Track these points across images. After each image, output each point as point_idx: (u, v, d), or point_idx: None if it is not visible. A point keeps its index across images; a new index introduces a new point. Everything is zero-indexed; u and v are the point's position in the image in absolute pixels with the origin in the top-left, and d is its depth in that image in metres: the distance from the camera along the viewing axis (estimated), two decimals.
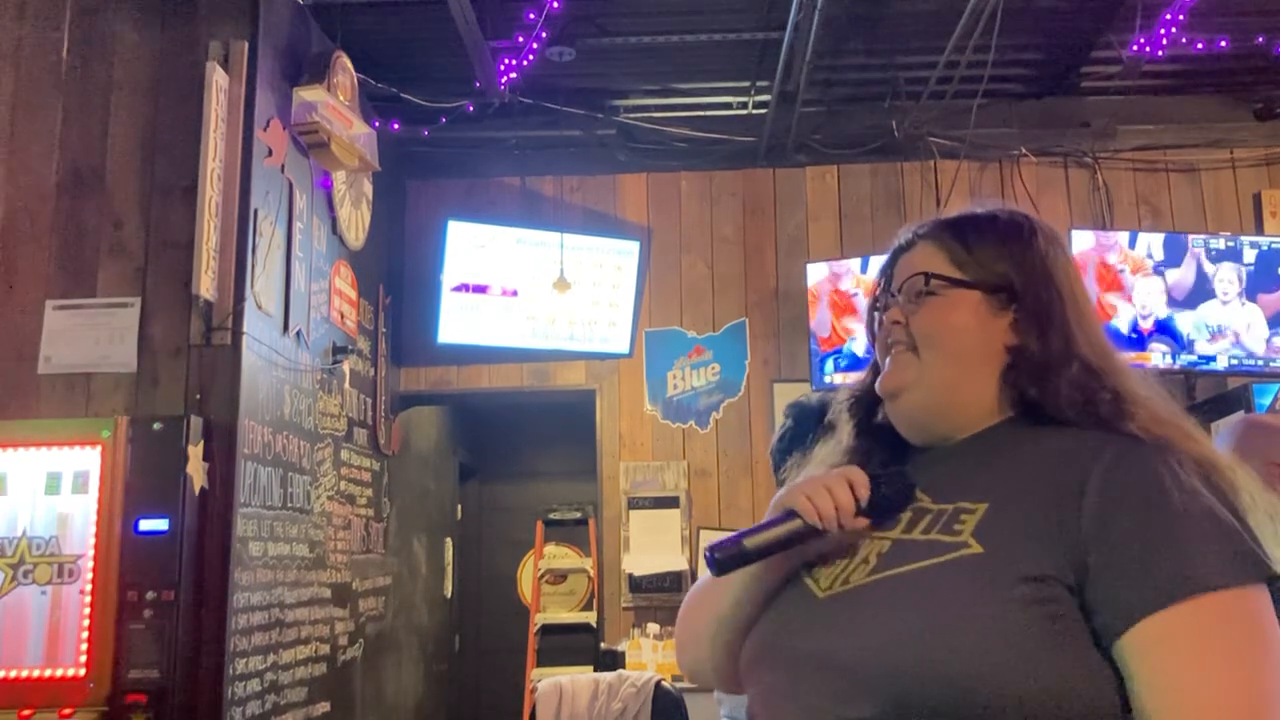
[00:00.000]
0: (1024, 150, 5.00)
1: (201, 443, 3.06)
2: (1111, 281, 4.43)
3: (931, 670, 0.89)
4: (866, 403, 1.17)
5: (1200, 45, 4.34)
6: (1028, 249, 1.10)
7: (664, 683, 3.49)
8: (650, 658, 4.61)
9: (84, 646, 2.88)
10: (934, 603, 0.92)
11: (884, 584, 0.98)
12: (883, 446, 1.15)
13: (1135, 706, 0.88)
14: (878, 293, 1.17)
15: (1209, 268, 4.48)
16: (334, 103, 3.71)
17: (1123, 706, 0.89)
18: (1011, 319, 1.07)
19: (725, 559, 1.03)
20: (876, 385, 1.13)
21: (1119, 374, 1.05)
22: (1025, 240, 1.11)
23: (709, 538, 4.85)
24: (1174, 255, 4.50)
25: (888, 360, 1.12)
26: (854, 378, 1.18)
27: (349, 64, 3.94)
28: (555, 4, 3.88)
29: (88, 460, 3.00)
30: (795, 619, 1.04)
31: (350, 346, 4.18)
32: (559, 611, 5.36)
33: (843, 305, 4.70)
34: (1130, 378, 1.06)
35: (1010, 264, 1.09)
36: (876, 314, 1.17)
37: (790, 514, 1.04)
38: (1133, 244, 4.49)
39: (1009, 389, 1.07)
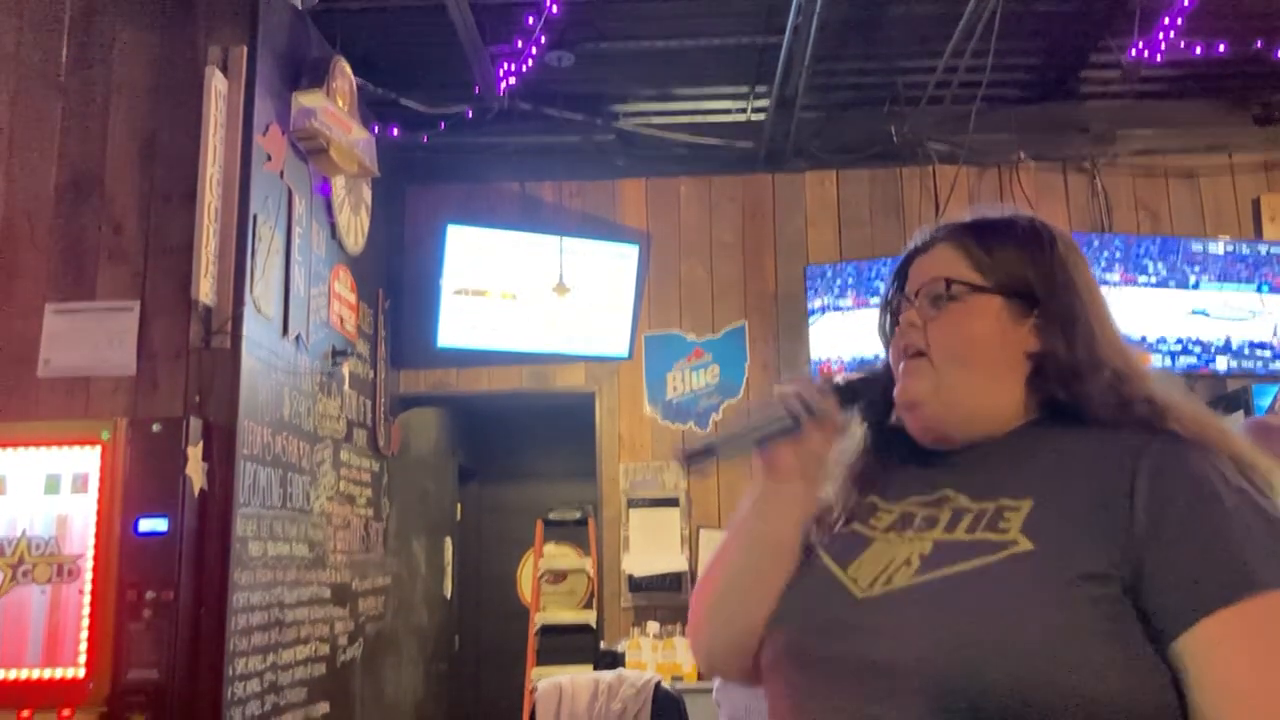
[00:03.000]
0: (1023, 155, 5.00)
1: (201, 443, 3.07)
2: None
3: (995, 673, 0.86)
4: (880, 406, 1.15)
5: (1199, 50, 4.33)
6: (1049, 255, 1.08)
7: (663, 683, 3.49)
8: (650, 658, 4.61)
9: (84, 646, 2.90)
10: (993, 603, 0.90)
11: (933, 585, 0.95)
12: (898, 448, 1.13)
13: (1192, 707, 0.87)
14: (890, 295, 1.15)
15: (1214, 268, 4.50)
16: (333, 108, 3.73)
17: (1179, 707, 0.88)
18: (1033, 324, 1.06)
19: (693, 452, 1.12)
20: (894, 393, 1.11)
21: (1147, 379, 1.04)
22: (1046, 246, 1.09)
23: (709, 538, 4.86)
24: (1174, 258, 4.50)
25: (902, 368, 1.10)
26: (855, 378, 1.18)
27: (348, 69, 3.96)
28: (554, 9, 3.89)
29: (87, 461, 3.02)
30: (830, 618, 1.00)
31: (349, 350, 4.20)
32: (559, 611, 5.36)
33: None
34: (1159, 381, 1.04)
35: (1032, 269, 1.07)
36: (889, 317, 1.15)
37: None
38: (1133, 248, 4.50)
39: (1036, 393, 1.06)
